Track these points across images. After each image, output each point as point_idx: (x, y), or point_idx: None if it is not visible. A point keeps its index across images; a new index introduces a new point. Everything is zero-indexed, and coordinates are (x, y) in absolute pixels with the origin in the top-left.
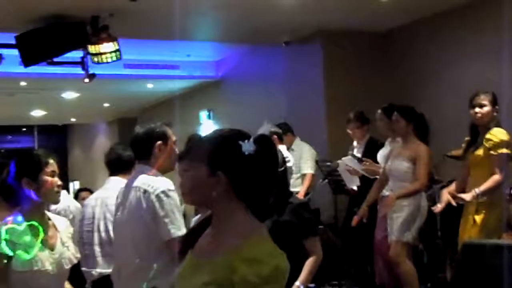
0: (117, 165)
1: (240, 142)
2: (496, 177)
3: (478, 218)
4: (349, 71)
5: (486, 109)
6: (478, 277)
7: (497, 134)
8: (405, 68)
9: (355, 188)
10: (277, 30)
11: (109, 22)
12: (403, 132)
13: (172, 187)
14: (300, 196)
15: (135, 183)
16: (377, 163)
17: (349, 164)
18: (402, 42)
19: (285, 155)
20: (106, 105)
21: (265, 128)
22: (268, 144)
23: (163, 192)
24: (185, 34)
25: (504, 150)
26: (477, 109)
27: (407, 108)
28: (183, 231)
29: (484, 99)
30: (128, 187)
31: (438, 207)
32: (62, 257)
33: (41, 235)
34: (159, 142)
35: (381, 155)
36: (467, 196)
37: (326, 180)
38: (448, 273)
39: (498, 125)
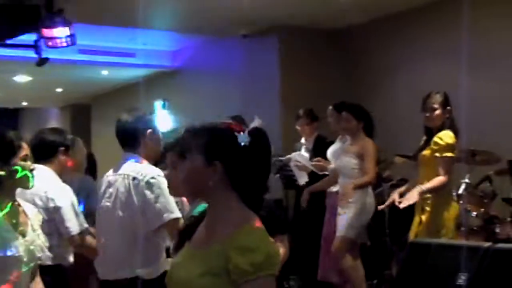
0: (39, 151)
1: (236, 133)
2: (441, 178)
3: (424, 217)
4: (305, 66)
5: (437, 112)
6: (421, 275)
7: (443, 137)
8: (361, 66)
9: (303, 183)
10: (235, 22)
11: (64, 6)
12: (353, 131)
13: (161, 173)
14: None
15: (122, 171)
16: (326, 159)
17: (298, 159)
18: (359, 40)
19: None
20: (59, 90)
21: (257, 122)
22: (262, 136)
23: (152, 178)
24: (142, 22)
25: (450, 154)
26: (427, 114)
27: (356, 107)
28: (177, 213)
29: (435, 103)
30: (115, 174)
31: (382, 206)
32: (34, 244)
33: (14, 220)
34: (149, 130)
35: (330, 152)
36: (412, 197)
37: (278, 175)
38: (394, 270)
39: (452, 125)
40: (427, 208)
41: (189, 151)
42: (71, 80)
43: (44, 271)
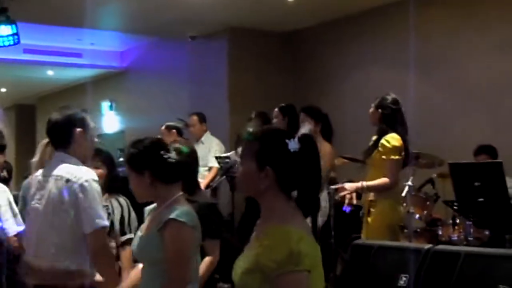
0: None
1: (287, 140)
2: (385, 180)
3: (370, 219)
4: (253, 69)
5: (370, 111)
6: (364, 276)
7: (390, 140)
8: (309, 68)
9: None
10: (183, 24)
11: (8, 4)
12: (312, 132)
13: (95, 177)
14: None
15: (56, 172)
16: None
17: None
18: (308, 43)
19: None
20: (3, 90)
21: (306, 128)
22: (311, 142)
23: (86, 181)
24: (89, 22)
25: (396, 157)
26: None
27: (313, 108)
28: (106, 221)
29: (373, 103)
30: (46, 175)
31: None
32: None
33: None
34: (79, 129)
35: None
36: (348, 185)
37: (224, 176)
38: (339, 271)
39: (394, 128)
40: (373, 210)
41: (244, 157)
42: (16, 80)
43: None
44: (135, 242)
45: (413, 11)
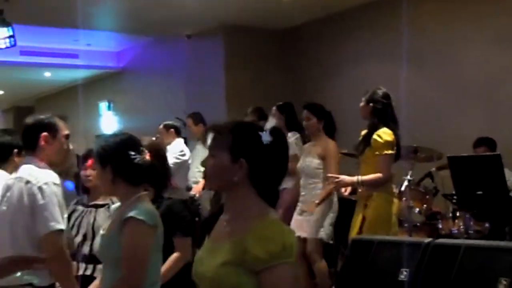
0: None
1: (259, 133)
2: (379, 174)
3: (367, 214)
4: (250, 66)
5: (360, 105)
6: (364, 271)
7: (382, 135)
8: (305, 66)
9: None
10: (179, 23)
11: (3, 6)
12: (314, 129)
13: (57, 180)
14: (198, 188)
15: (18, 174)
16: None
17: None
18: (303, 40)
19: (181, 149)
20: (0, 92)
21: (273, 122)
22: (281, 136)
23: (46, 183)
24: (85, 22)
25: (389, 151)
26: None
27: (316, 105)
28: (62, 225)
29: (363, 97)
30: (11, 178)
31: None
32: None
33: None
34: (44, 133)
35: None
36: (345, 177)
37: None
38: (339, 267)
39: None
40: (370, 205)
41: (217, 149)
42: (13, 82)
43: None
44: (97, 242)
45: (407, 5)
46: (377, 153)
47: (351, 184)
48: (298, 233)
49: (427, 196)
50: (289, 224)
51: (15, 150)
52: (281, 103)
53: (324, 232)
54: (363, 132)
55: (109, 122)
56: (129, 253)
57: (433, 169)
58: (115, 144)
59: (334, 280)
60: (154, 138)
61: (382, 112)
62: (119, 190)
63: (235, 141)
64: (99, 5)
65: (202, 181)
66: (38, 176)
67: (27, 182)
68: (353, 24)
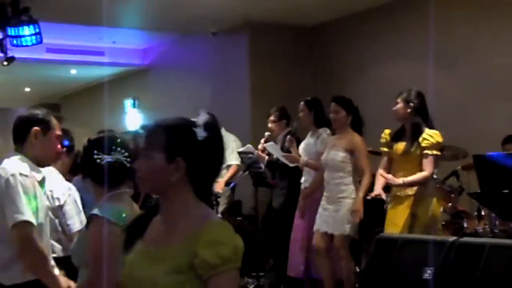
0: None
1: (194, 129)
2: (425, 173)
3: (420, 213)
4: (275, 64)
5: (398, 106)
6: (388, 270)
7: (434, 135)
8: (330, 63)
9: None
10: (205, 20)
11: (30, 4)
12: (343, 123)
13: (25, 171)
14: (219, 186)
15: None
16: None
17: (270, 150)
18: (329, 38)
19: None
20: (27, 89)
21: (202, 117)
22: (216, 130)
23: (12, 175)
24: (111, 20)
25: (438, 152)
26: (393, 108)
27: (345, 99)
28: (27, 216)
29: (397, 98)
30: None
31: (367, 197)
32: None
33: None
34: (36, 128)
35: (302, 147)
36: (396, 180)
37: (247, 172)
38: (363, 266)
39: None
40: (420, 204)
41: (150, 150)
42: (39, 79)
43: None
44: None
45: (434, 4)
46: (427, 152)
47: (397, 186)
48: (324, 229)
49: (452, 195)
50: (314, 219)
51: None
52: (309, 98)
53: (352, 228)
54: (387, 131)
55: (134, 120)
56: (90, 251)
57: (459, 167)
58: (90, 142)
59: (358, 278)
60: None
61: (423, 110)
62: (91, 189)
63: (169, 140)
64: (125, 3)
65: (221, 180)
66: (7, 168)
67: None
68: (378, 23)
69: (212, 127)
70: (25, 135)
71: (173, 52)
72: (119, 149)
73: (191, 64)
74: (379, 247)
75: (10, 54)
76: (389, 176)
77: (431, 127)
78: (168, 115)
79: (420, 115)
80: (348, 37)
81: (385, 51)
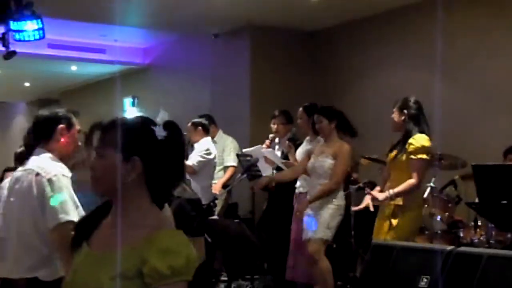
0: None
1: (152, 127)
2: (411, 181)
3: (395, 221)
4: (276, 67)
5: (393, 115)
6: (384, 277)
7: (418, 139)
8: (332, 68)
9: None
10: (206, 21)
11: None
12: (327, 131)
13: (67, 173)
14: (217, 188)
15: (28, 165)
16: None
17: (270, 157)
18: (331, 42)
19: (207, 148)
20: (26, 84)
21: (162, 116)
22: (176, 130)
23: (55, 175)
24: (113, 18)
25: (424, 156)
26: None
27: (326, 108)
28: (71, 217)
29: (393, 107)
30: (20, 170)
31: (356, 208)
32: None
33: None
34: (61, 125)
35: (299, 152)
36: (380, 195)
37: (245, 175)
38: (359, 272)
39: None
40: (401, 211)
41: (105, 148)
42: (40, 74)
43: None
44: None
45: (439, 11)
46: (412, 156)
47: (384, 200)
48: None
49: (450, 204)
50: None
51: None
52: (307, 104)
53: (330, 233)
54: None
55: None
56: None
57: (457, 177)
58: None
59: (353, 285)
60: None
61: (416, 117)
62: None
63: (126, 138)
64: (128, 1)
65: (219, 181)
66: (48, 168)
67: (37, 174)
68: (382, 29)
69: (173, 127)
70: (51, 132)
71: (174, 52)
72: None
73: (192, 65)
74: (376, 254)
75: (11, 48)
76: (373, 192)
77: (421, 132)
78: (167, 115)
79: (413, 121)
80: (350, 42)
81: (387, 58)
